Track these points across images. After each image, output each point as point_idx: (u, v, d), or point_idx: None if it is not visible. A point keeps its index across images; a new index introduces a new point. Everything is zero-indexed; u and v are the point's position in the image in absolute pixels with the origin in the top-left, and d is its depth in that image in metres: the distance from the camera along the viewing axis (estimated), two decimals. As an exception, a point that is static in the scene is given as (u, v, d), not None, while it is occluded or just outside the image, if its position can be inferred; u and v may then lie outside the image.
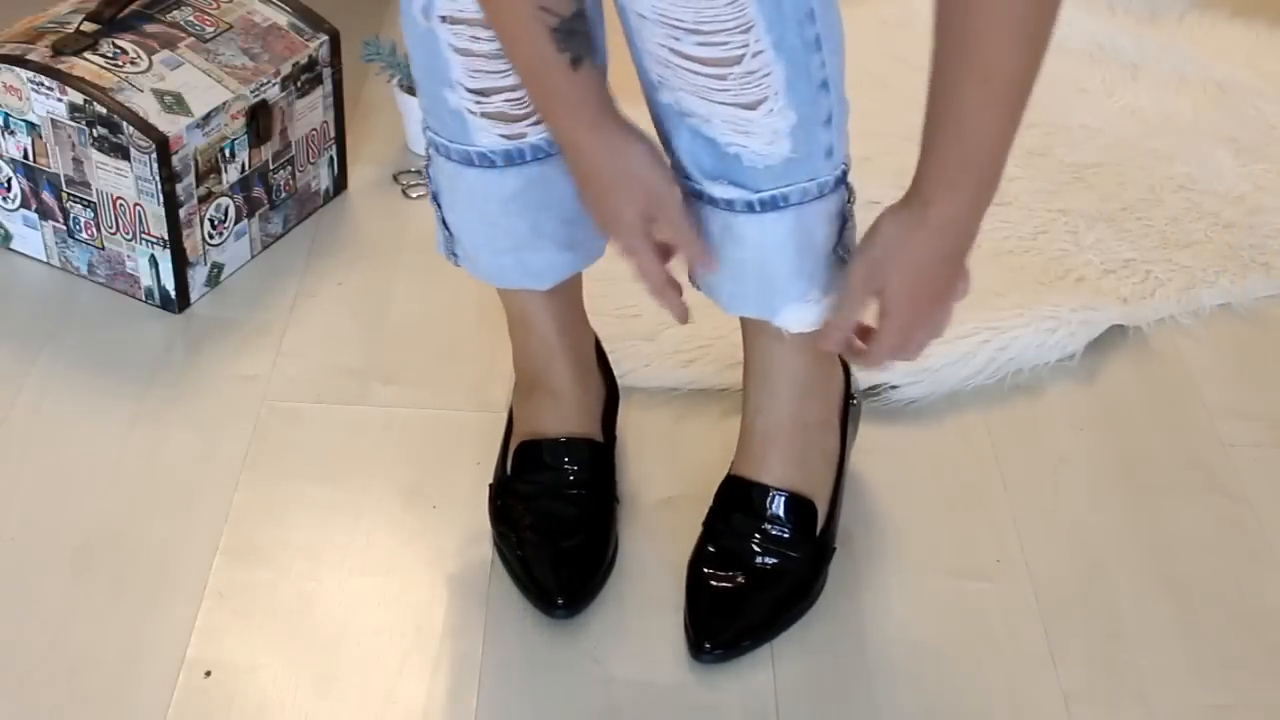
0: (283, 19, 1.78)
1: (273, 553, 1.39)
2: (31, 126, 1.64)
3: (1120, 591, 1.40)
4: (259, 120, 1.70)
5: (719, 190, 1.17)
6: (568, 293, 1.39)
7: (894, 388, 1.60)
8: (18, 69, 1.61)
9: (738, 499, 1.36)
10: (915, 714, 1.28)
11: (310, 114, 1.80)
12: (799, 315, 1.24)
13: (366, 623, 1.33)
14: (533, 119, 1.19)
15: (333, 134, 1.85)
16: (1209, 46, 2.29)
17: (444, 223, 1.32)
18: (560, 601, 1.32)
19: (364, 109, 2.05)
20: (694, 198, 1.20)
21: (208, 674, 1.28)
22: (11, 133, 1.66)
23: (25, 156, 1.67)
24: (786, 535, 1.34)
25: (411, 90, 1.94)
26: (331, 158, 1.86)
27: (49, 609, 1.33)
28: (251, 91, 1.69)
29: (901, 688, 1.30)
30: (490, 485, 1.43)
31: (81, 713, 1.24)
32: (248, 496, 1.45)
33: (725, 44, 1.07)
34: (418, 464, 1.50)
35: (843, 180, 1.21)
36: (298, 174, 1.81)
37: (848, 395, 1.41)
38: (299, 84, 1.76)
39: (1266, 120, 2.13)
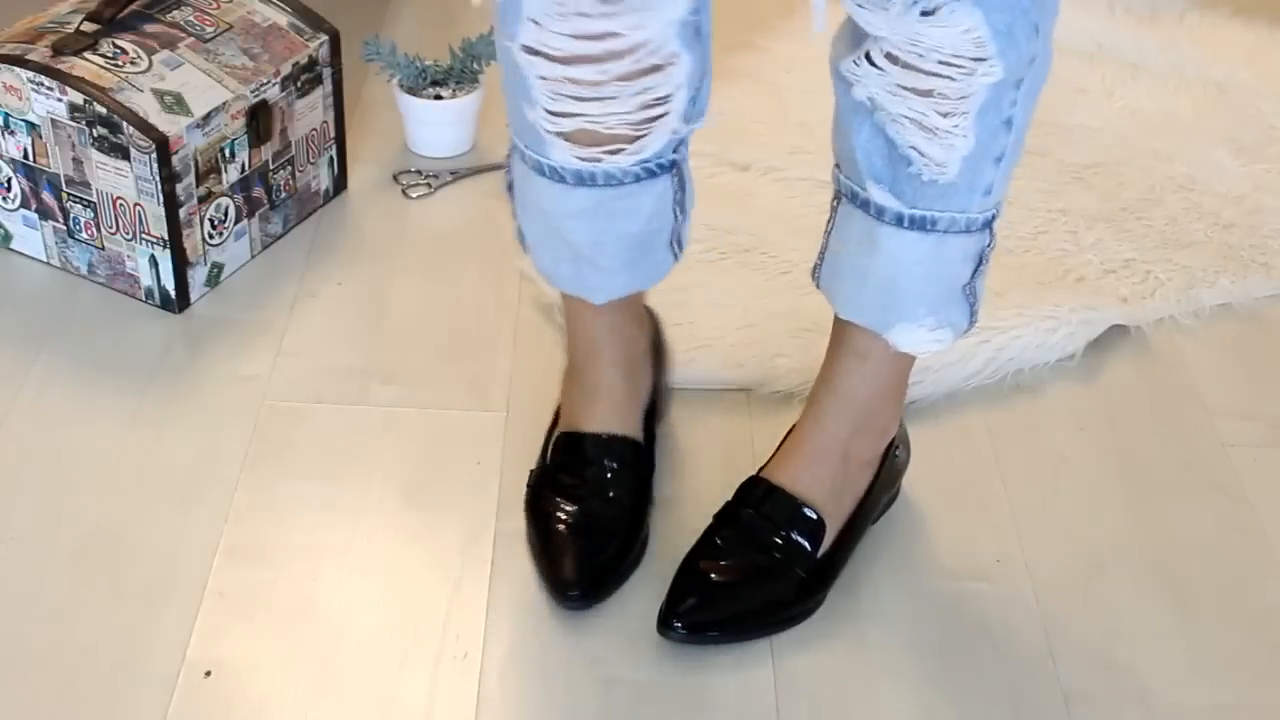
0: (283, 19, 1.78)
1: (273, 553, 1.39)
2: (31, 126, 1.64)
3: (1120, 591, 1.40)
4: (259, 120, 1.70)
5: (877, 194, 1.19)
6: (623, 302, 1.38)
7: (894, 388, 1.60)
8: (18, 69, 1.61)
9: (755, 499, 1.36)
10: (915, 714, 1.28)
11: (310, 114, 1.80)
12: (908, 336, 1.27)
13: (366, 623, 1.33)
14: (609, 147, 1.19)
15: (333, 134, 1.85)
16: (1209, 46, 2.29)
17: (515, 214, 1.33)
18: (574, 593, 1.33)
19: (364, 109, 2.05)
20: (846, 202, 1.23)
21: (208, 674, 1.28)
22: (11, 133, 1.66)
23: (25, 156, 1.67)
24: (791, 545, 1.34)
25: (412, 90, 1.94)
26: (331, 158, 1.86)
27: (49, 609, 1.33)
28: (251, 91, 1.69)
29: (901, 687, 1.30)
30: (531, 471, 1.43)
31: (81, 713, 1.24)
32: (248, 496, 1.45)
33: (958, 65, 1.10)
34: (418, 464, 1.50)
35: (990, 223, 1.24)
36: (298, 174, 1.81)
37: (894, 445, 1.41)
38: (299, 84, 1.76)
39: (1266, 120, 2.13)
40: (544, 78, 1.14)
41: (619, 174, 1.21)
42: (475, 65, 1.95)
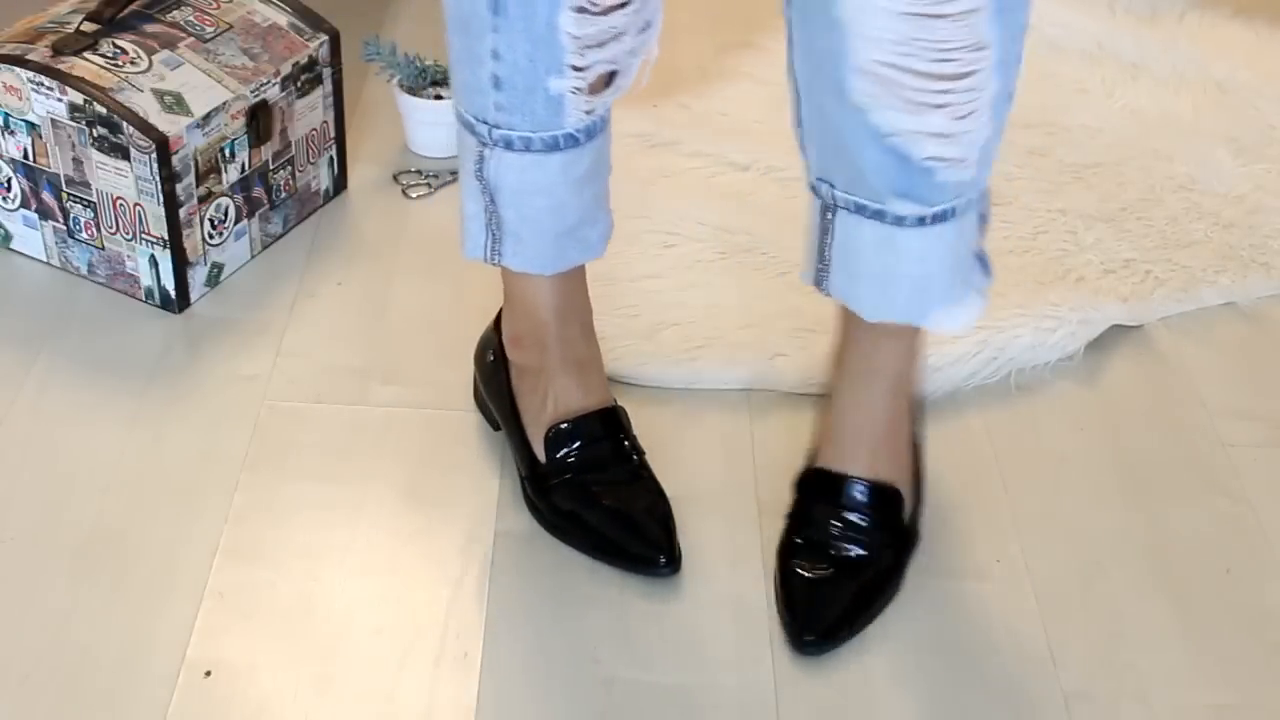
0: (283, 19, 1.78)
1: (273, 553, 1.39)
2: (31, 126, 1.64)
3: (1120, 591, 1.40)
4: (259, 120, 1.70)
5: (897, 206, 1.19)
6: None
7: (894, 388, 1.60)
8: (18, 69, 1.61)
9: (823, 490, 1.37)
10: (915, 714, 1.28)
11: (310, 114, 1.80)
12: (945, 318, 1.28)
13: (366, 623, 1.33)
14: (607, 90, 1.26)
15: (333, 134, 1.85)
16: (1209, 46, 2.29)
17: (495, 222, 1.33)
18: (664, 559, 1.36)
19: (364, 109, 2.05)
20: (848, 213, 1.23)
21: (208, 674, 1.28)
22: (11, 133, 1.66)
23: (25, 156, 1.67)
24: (869, 524, 1.35)
25: (412, 90, 1.94)
26: (331, 158, 1.86)
27: (49, 609, 1.33)
28: (251, 91, 1.69)
29: (901, 688, 1.30)
30: (525, 477, 1.43)
31: (81, 713, 1.24)
32: (248, 496, 1.45)
33: (957, 60, 1.10)
34: (418, 464, 1.50)
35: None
36: (298, 174, 1.81)
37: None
38: (299, 84, 1.76)
39: (1266, 120, 2.13)
40: (579, 37, 1.20)
41: (606, 114, 1.29)
42: (475, 65, 1.95)
